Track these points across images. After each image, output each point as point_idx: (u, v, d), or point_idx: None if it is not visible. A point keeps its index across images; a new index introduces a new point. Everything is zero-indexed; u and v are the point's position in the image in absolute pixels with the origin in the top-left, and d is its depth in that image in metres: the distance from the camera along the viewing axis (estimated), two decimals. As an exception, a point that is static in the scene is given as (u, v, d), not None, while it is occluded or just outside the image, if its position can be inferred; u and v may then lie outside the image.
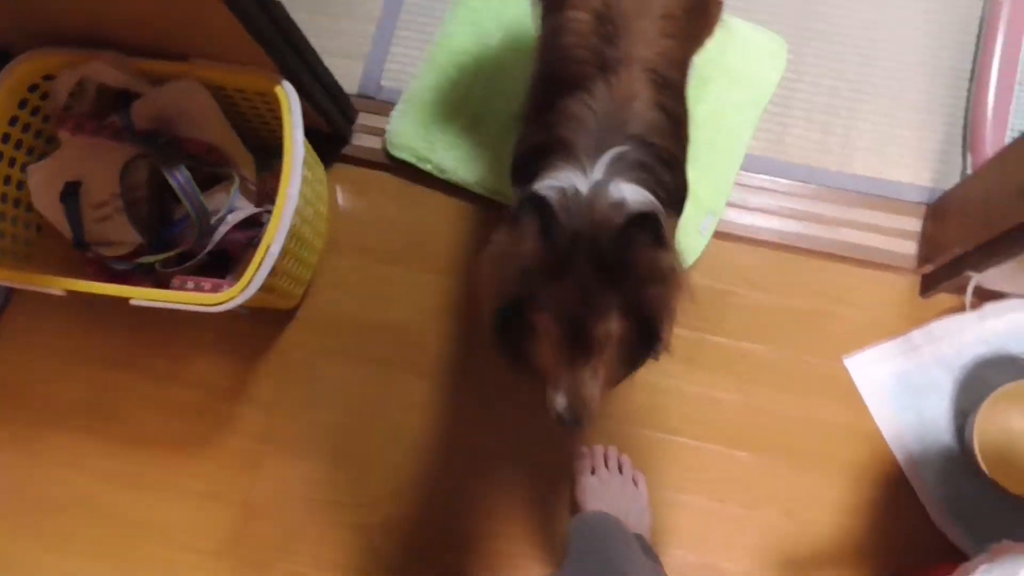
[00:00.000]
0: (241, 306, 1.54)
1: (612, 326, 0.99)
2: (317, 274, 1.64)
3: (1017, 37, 1.54)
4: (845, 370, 1.52)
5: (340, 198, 1.69)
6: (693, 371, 1.54)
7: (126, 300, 1.32)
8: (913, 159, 1.57)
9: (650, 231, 0.92)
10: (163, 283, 1.45)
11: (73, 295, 1.37)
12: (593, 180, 1.05)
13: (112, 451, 1.61)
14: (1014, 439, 1.43)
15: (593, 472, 1.47)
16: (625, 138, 1.07)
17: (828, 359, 1.53)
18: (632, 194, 1.03)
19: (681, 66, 1.23)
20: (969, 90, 1.58)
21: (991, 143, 1.49)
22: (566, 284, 0.96)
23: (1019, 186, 1.17)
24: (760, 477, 1.50)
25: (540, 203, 0.94)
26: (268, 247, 1.31)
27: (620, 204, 0.99)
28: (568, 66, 1.13)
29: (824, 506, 1.47)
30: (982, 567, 1.12)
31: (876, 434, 1.49)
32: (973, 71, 1.59)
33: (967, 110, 1.56)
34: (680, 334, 1.55)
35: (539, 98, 1.20)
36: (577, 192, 1.02)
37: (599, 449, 1.50)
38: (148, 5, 1.27)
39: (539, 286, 0.98)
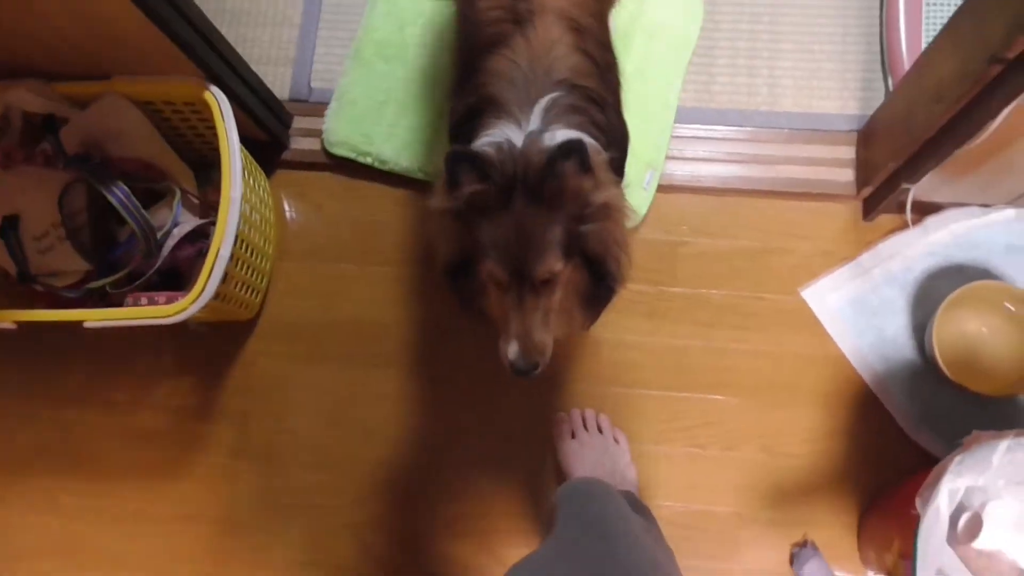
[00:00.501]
0: (199, 323, 1.54)
1: (555, 265, 1.00)
2: (272, 282, 1.63)
3: (918, -40, 1.60)
4: (803, 302, 1.55)
5: (286, 203, 1.68)
6: (656, 324, 1.56)
7: (80, 334, 1.29)
8: (838, 89, 1.62)
9: (575, 158, 0.94)
10: (116, 305, 1.42)
11: (25, 332, 1.35)
12: (528, 131, 1.07)
13: (85, 489, 1.58)
14: (970, 342, 1.47)
15: (573, 436, 1.48)
16: (553, 84, 1.09)
17: (785, 294, 1.56)
18: (567, 137, 1.05)
19: (597, 16, 1.26)
20: (880, 15, 1.62)
21: (908, 62, 1.53)
22: (506, 228, 0.98)
23: (934, 91, 1.21)
24: (735, 417, 1.52)
25: (466, 155, 0.96)
26: (218, 251, 1.30)
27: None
28: (485, 28, 1.16)
29: (801, 436, 1.50)
30: (956, 458, 1.14)
31: (841, 359, 1.52)
32: (881, -4, 1.64)
33: (881, 34, 1.61)
34: (639, 289, 1.57)
35: (465, 66, 1.22)
36: (512, 144, 1.04)
37: (576, 413, 1.50)
38: (64, 27, 1.26)
39: (481, 234, 0.99)
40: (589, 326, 1.20)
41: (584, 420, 1.49)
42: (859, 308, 1.53)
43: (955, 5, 1.57)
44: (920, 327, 1.51)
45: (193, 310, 1.29)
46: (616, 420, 1.52)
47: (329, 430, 1.57)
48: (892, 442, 1.47)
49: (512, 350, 1.04)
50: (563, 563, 0.94)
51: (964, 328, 1.47)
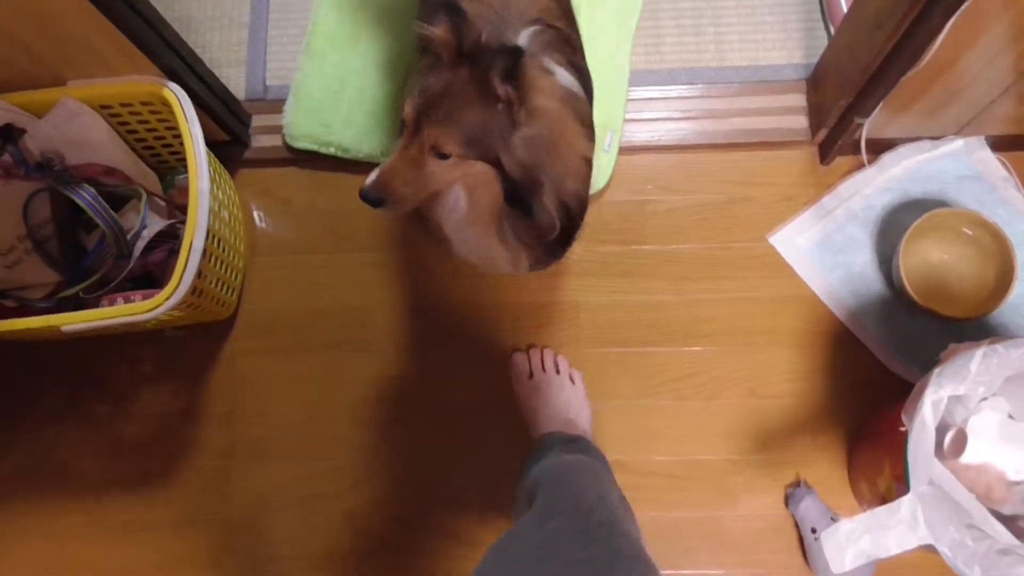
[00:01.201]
0: (176, 328, 1.53)
1: (448, 140, 0.98)
2: (247, 278, 1.62)
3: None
4: (771, 247, 1.58)
5: (252, 202, 1.68)
6: (631, 282, 1.58)
7: (58, 350, 1.28)
8: (782, 41, 1.66)
9: (502, 60, 0.93)
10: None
11: (2, 350, 1.33)
12: None
13: (76, 507, 1.55)
14: (936, 268, 1.52)
15: (531, 376, 1.50)
16: (528, 22, 1.11)
17: (753, 241, 1.59)
18: (561, 75, 1.07)
19: None
20: (816, -32, 1.68)
21: (846, 9, 1.58)
22: (440, 79, 0.99)
23: (875, 20, 1.25)
24: (717, 366, 1.54)
25: (450, 5, 0.98)
26: (191, 243, 1.30)
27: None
28: None
29: (782, 376, 1.53)
30: (936, 371, 1.17)
31: (813, 299, 1.56)
32: (816, -48, 1.69)
33: (819, -15, 1.67)
34: (611, 250, 1.60)
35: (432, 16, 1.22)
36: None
37: (535, 352, 1.53)
38: (17, 31, 1.25)
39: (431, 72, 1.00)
40: (540, 264, 1.20)
41: (542, 360, 1.52)
42: (826, 248, 1.57)
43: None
44: (886, 260, 1.55)
45: (171, 304, 1.28)
46: (601, 380, 1.54)
47: (316, 420, 1.56)
48: (870, 374, 1.51)
49: (371, 176, 1.04)
50: (538, 557, 0.86)
51: (928, 258, 1.51)
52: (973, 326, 1.48)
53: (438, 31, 0.99)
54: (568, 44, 1.15)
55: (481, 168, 1.02)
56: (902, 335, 1.51)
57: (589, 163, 1.16)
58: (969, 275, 1.50)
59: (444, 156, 1.01)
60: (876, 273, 1.55)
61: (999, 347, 1.14)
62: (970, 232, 1.49)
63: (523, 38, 1.08)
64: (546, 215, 1.08)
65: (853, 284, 1.55)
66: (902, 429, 1.19)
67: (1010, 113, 1.45)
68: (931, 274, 1.51)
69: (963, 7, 1.07)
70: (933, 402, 1.15)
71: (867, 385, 1.51)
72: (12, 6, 1.19)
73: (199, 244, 1.30)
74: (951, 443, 1.25)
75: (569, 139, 1.07)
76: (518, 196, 1.04)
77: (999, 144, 1.56)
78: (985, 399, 1.24)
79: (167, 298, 1.29)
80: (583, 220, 1.22)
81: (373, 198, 1.04)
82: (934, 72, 1.27)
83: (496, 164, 1.01)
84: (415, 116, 1.00)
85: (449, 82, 0.99)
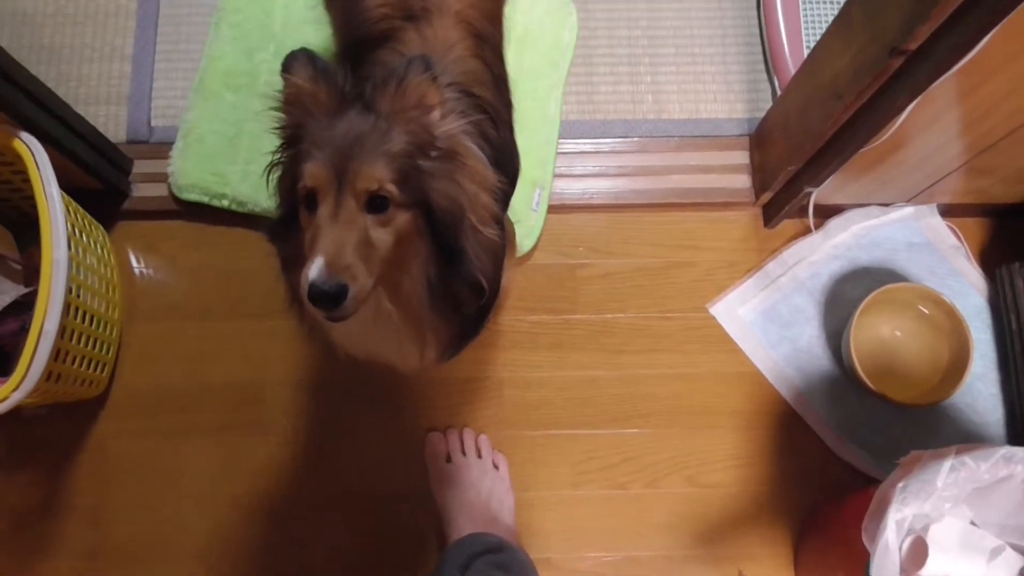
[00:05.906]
0: (37, 406, 1.32)
1: (385, 176, 0.80)
2: (123, 349, 1.41)
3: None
4: (712, 318, 1.46)
5: (133, 259, 1.47)
6: (562, 355, 1.43)
7: None
8: (724, 93, 1.54)
9: (420, 63, 0.81)
10: (-79, 400, 1.19)
11: None
12: None
13: (-92, 619, 1.32)
14: (888, 347, 1.41)
15: (449, 460, 1.35)
16: (444, 88, 0.95)
17: (692, 311, 1.46)
18: None
19: (494, 19, 1.14)
20: (758, 15, 1.56)
21: (791, 60, 1.47)
22: (334, 130, 0.82)
23: (831, 88, 1.13)
24: (656, 450, 1.40)
25: (306, 53, 0.85)
26: (42, 325, 1.09)
27: None
28: (373, 26, 1.03)
29: (724, 462, 1.40)
30: (899, 485, 1.06)
31: (757, 375, 1.43)
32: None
33: (761, 34, 1.55)
34: (539, 320, 1.45)
35: (349, 63, 1.05)
36: None
37: (454, 433, 1.38)
38: None
39: (304, 142, 0.83)
40: (451, 350, 1.02)
41: (462, 441, 1.36)
42: (770, 319, 1.45)
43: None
44: (834, 334, 1.44)
45: (16, 399, 1.08)
46: (527, 467, 1.38)
47: (200, 514, 1.36)
48: (818, 459, 1.39)
49: (315, 266, 0.77)
50: None
51: (879, 333, 1.41)
52: (926, 412, 1.38)
53: (306, 83, 0.84)
54: (487, 115, 1.00)
55: (406, 221, 0.84)
56: (853, 420, 1.39)
57: (500, 215, 0.99)
58: (922, 354, 1.40)
59: (381, 206, 0.81)
60: (824, 349, 1.44)
61: (967, 459, 1.02)
62: (926, 310, 1.39)
63: None
64: (475, 263, 0.90)
65: (800, 361, 1.43)
66: (861, 548, 1.07)
67: (962, 186, 1.36)
68: (882, 351, 1.41)
69: (931, 87, 0.95)
70: (896, 522, 1.04)
71: (815, 471, 1.39)
72: None
73: (52, 326, 1.10)
74: (909, 554, 1.14)
75: (478, 172, 0.91)
76: (446, 247, 0.87)
77: (949, 211, 1.47)
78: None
79: (13, 389, 1.08)
80: (500, 285, 1.05)
81: (331, 289, 0.76)
82: (890, 147, 1.16)
83: (423, 207, 0.85)
84: (332, 173, 0.80)
85: (352, 124, 0.82)
